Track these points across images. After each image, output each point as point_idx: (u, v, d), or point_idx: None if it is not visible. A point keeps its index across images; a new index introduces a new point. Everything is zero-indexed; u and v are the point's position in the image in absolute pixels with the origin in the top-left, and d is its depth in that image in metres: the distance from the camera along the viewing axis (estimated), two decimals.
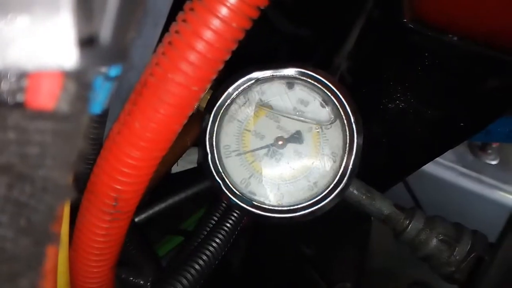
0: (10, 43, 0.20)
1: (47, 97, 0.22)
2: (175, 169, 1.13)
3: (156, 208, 1.01)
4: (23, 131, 0.21)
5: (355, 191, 0.62)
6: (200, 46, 0.34)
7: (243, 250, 0.97)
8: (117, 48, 0.22)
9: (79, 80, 0.23)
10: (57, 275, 0.42)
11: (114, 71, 0.25)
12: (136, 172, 0.39)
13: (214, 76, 0.36)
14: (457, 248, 0.60)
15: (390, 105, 0.73)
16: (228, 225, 0.64)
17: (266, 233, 0.84)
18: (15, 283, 0.21)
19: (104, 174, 0.40)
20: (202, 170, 0.56)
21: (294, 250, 0.73)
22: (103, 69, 0.25)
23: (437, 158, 1.46)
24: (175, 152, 0.86)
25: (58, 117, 0.21)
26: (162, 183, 1.02)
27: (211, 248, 0.61)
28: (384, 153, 0.77)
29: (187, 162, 1.13)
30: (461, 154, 1.45)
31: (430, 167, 1.45)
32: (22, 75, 0.22)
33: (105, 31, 0.22)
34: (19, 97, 0.22)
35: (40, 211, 0.21)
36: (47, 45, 0.20)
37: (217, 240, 0.62)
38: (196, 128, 0.91)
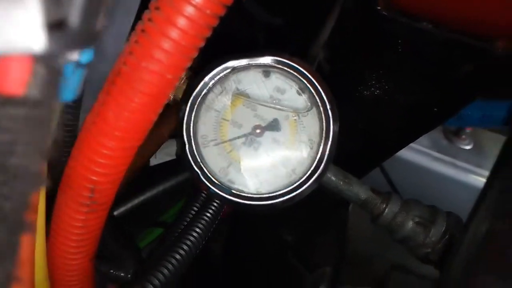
0: None
1: (17, 82, 0.21)
2: (154, 161, 1.13)
3: (135, 201, 1.00)
4: None
5: (332, 177, 0.62)
6: (173, 33, 0.33)
7: (224, 238, 0.97)
8: (87, 32, 0.22)
9: (48, 65, 0.23)
10: (36, 266, 0.42)
11: (85, 57, 0.25)
12: (111, 162, 0.39)
13: (188, 64, 0.36)
14: (432, 230, 0.61)
15: (365, 92, 0.74)
16: (208, 214, 0.64)
17: (247, 221, 0.84)
18: None
19: (79, 165, 0.39)
20: (181, 161, 0.56)
21: (274, 237, 0.74)
22: (74, 55, 0.24)
23: (412, 144, 1.49)
24: (152, 144, 0.86)
25: (28, 103, 0.21)
26: (141, 175, 1.01)
27: (191, 238, 0.61)
28: (360, 139, 0.78)
29: (165, 154, 1.12)
30: (436, 140, 1.49)
31: (405, 153, 1.48)
32: None
33: (74, 15, 0.21)
34: None
35: (13, 199, 0.21)
36: (15, 28, 0.19)
37: (197, 230, 0.62)
38: (173, 120, 0.90)
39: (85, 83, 0.39)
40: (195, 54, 0.36)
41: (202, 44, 0.35)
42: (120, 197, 0.98)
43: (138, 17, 0.35)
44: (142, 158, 0.84)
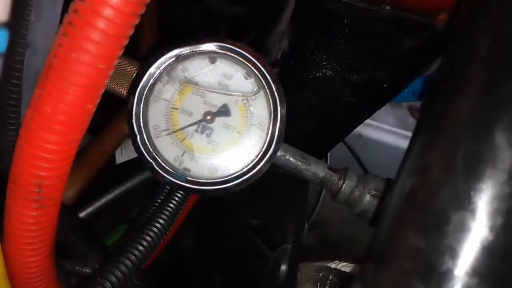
0: None
1: None
2: (120, 159, 1.12)
3: (103, 200, 1.01)
4: None
5: (291, 159, 0.64)
6: (100, 23, 0.34)
7: (192, 234, 0.98)
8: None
9: None
10: None
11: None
12: (55, 156, 0.39)
13: (119, 53, 0.37)
14: None
15: (318, 73, 0.76)
16: (171, 205, 0.65)
17: (214, 213, 0.85)
18: None
19: (23, 162, 0.40)
20: (135, 151, 0.56)
21: (240, 223, 0.76)
22: None
23: (379, 124, 1.52)
24: (112, 139, 0.86)
25: None
26: (107, 174, 1.02)
27: (153, 229, 0.61)
28: (317, 120, 0.80)
29: (131, 151, 1.12)
30: (401, 118, 1.52)
31: (373, 133, 1.51)
32: None
33: None
34: None
35: None
36: None
37: (160, 221, 0.63)
38: None
39: (22, 80, 0.39)
40: (125, 42, 0.37)
41: (131, 31, 0.36)
42: (88, 197, 0.98)
43: (65, 10, 0.35)
44: (103, 153, 0.84)
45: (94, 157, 0.82)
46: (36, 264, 0.47)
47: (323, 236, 1.38)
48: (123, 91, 0.59)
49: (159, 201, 0.70)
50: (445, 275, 0.28)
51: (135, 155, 1.21)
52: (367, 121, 1.50)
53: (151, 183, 1.06)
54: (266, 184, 0.70)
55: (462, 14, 0.36)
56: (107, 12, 0.34)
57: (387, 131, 1.52)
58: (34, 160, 0.39)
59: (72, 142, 0.40)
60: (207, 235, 0.86)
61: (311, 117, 0.80)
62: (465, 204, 0.28)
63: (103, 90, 0.39)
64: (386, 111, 1.50)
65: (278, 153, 0.61)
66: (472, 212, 0.28)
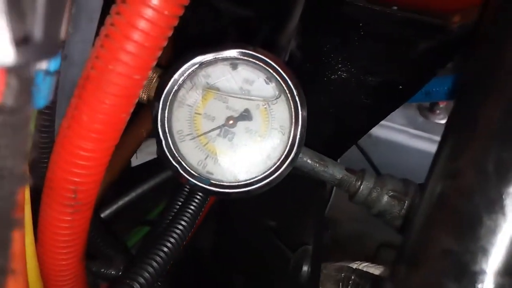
0: None
1: None
2: (135, 162, 1.14)
3: (121, 202, 1.02)
4: None
5: (308, 161, 0.65)
6: (136, 36, 0.36)
7: (212, 235, 1.00)
8: (51, 42, 0.24)
9: (20, 76, 0.25)
10: (27, 266, 0.43)
11: (53, 65, 0.27)
12: (90, 163, 0.41)
13: (154, 63, 0.38)
14: (406, 201, 0.65)
15: (333, 76, 0.77)
16: (192, 207, 0.66)
17: (232, 215, 0.87)
18: None
19: (59, 168, 0.41)
20: (160, 158, 0.58)
21: (259, 225, 0.77)
22: (43, 65, 0.26)
23: (389, 123, 1.53)
24: (131, 144, 0.88)
25: (4, 110, 0.23)
26: (124, 177, 1.03)
27: (177, 231, 0.63)
28: (333, 122, 0.81)
29: (147, 153, 1.14)
30: (412, 117, 1.53)
31: (383, 133, 1.52)
32: None
33: (38, 28, 0.23)
34: None
35: (2, 199, 0.23)
36: None
37: (182, 223, 0.64)
38: (150, 119, 0.92)
39: (57, 90, 0.41)
40: (159, 53, 0.38)
41: (164, 43, 0.38)
42: (106, 199, 0.99)
43: (101, 23, 0.37)
44: (123, 158, 0.86)
45: (115, 162, 0.83)
46: (68, 267, 0.49)
47: (334, 235, 1.39)
48: (144, 96, 0.61)
49: (180, 203, 0.71)
50: (478, 275, 0.29)
51: (150, 158, 1.24)
52: None
53: (167, 185, 1.08)
54: (284, 186, 0.71)
55: (489, 19, 0.37)
56: (143, 25, 0.35)
57: (397, 130, 1.53)
58: (71, 167, 0.41)
59: (107, 149, 0.42)
60: (226, 235, 0.88)
61: (326, 120, 0.81)
62: (497, 207, 0.29)
63: (136, 100, 0.40)
64: (396, 111, 1.50)
65: None
66: (504, 214, 0.29)
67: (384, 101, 0.79)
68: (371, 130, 1.53)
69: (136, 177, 1.10)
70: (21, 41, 0.24)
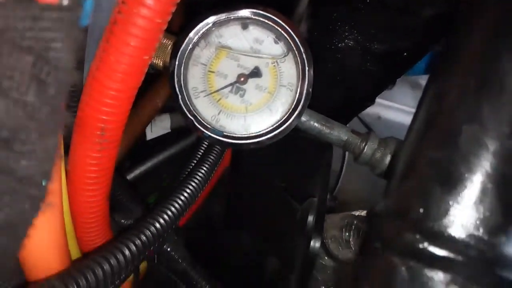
0: None
1: None
2: (150, 136, 1.20)
3: (137, 171, 1.08)
4: (38, 19, 0.27)
5: (315, 124, 0.69)
6: None
7: (222, 201, 1.05)
8: None
9: None
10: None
11: None
12: (117, 102, 0.46)
13: (173, 9, 0.43)
14: None
15: (340, 44, 0.80)
16: (206, 164, 0.71)
17: (244, 178, 0.91)
18: (44, 141, 0.28)
19: (89, 108, 0.46)
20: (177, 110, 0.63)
21: (270, 186, 0.81)
22: None
23: (397, 105, 1.55)
24: (147, 112, 0.93)
25: (61, 7, 0.28)
26: (139, 150, 1.09)
27: (191, 185, 0.68)
28: (340, 88, 0.85)
29: (161, 128, 1.20)
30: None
31: (392, 114, 1.54)
32: None
33: None
34: None
35: (55, 87, 0.28)
36: None
37: (198, 177, 0.69)
38: (165, 90, 0.97)
39: (87, 36, 0.45)
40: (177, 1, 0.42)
41: None
42: (123, 169, 1.05)
43: None
44: (141, 123, 0.91)
45: (133, 127, 0.89)
46: (96, 204, 0.54)
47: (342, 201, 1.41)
48: (160, 62, 0.65)
49: (193, 163, 0.76)
50: (460, 180, 0.33)
51: (164, 131, 1.29)
52: (386, 102, 1.53)
53: (180, 157, 1.13)
54: (293, 148, 0.76)
55: None
56: None
57: (406, 112, 1.55)
58: (99, 105, 0.46)
59: (131, 89, 0.46)
60: (237, 198, 0.92)
61: (334, 86, 0.85)
62: (476, 118, 0.33)
63: (157, 44, 0.45)
64: (404, 92, 1.52)
65: (304, 118, 0.67)
66: (482, 124, 0.33)
67: (390, 68, 0.82)
68: (380, 112, 1.56)
69: (151, 149, 1.16)
70: None
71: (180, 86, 0.61)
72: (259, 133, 0.61)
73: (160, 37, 0.45)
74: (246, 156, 0.88)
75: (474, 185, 0.33)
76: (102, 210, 0.55)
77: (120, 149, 0.90)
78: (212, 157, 0.73)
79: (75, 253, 0.58)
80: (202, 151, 0.75)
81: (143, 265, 0.86)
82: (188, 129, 1.10)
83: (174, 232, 0.78)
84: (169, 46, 0.64)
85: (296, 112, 0.61)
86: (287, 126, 0.61)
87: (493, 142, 0.32)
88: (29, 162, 0.33)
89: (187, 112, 0.61)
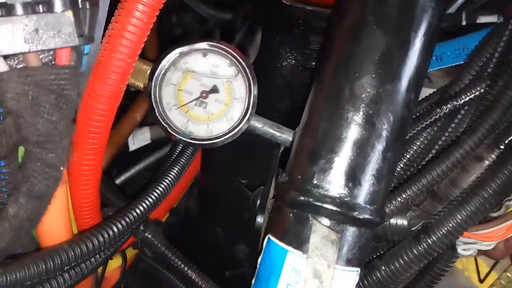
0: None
1: (66, 59, 0.47)
2: (132, 147, 1.36)
3: (123, 177, 1.25)
4: (58, 74, 0.46)
5: (269, 129, 0.85)
6: None
7: (196, 198, 1.23)
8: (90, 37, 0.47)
9: (77, 51, 0.48)
10: None
11: (87, 49, 0.50)
12: (102, 118, 0.63)
13: (139, 51, 0.61)
14: None
15: (284, 63, 1.00)
16: (180, 162, 0.89)
17: (212, 178, 1.09)
18: (62, 142, 0.46)
19: (83, 122, 0.63)
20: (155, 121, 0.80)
21: (232, 183, 0.98)
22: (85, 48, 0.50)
23: None
24: (128, 125, 1.11)
25: (70, 66, 0.47)
26: (123, 159, 1.26)
27: (166, 180, 0.85)
28: (287, 99, 1.03)
29: (142, 139, 1.37)
30: None
31: None
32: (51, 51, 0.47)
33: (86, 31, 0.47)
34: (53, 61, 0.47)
35: (67, 110, 0.46)
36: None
37: (170, 175, 0.87)
38: (143, 107, 1.16)
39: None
40: None
41: None
42: (112, 171, 1.22)
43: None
44: (122, 136, 1.09)
45: (116, 138, 1.06)
46: (89, 192, 0.71)
47: None
48: (141, 84, 0.83)
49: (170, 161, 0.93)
50: (320, 158, 0.53)
51: (145, 143, 1.46)
52: None
53: (159, 164, 1.30)
54: (252, 150, 0.94)
55: None
56: None
57: None
58: (90, 121, 0.63)
59: (112, 108, 0.64)
60: (207, 196, 1.10)
61: (282, 98, 1.04)
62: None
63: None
64: None
65: (259, 125, 0.83)
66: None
67: None
68: None
69: (134, 159, 1.34)
70: (80, 35, 0.47)
71: (156, 102, 0.78)
72: (219, 135, 0.79)
73: (134, 67, 0.63)
74: (212, 160, 1.06)
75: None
76: (93, 200, 0.73)
77: (106, 155, 1.07)
78: (182, 160, 0.91)
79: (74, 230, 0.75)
80: (174, 156, 0.93)
81: (130, 254, 1.03)
82: (164, 140, 1.28)
83: (154, 224, 0.95)
84: (148, 71, 0.81)
85: (246, 118, 0.79)
86: (240, 129, 0.79)
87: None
88: (53, 154, 0.51)
89: (162, 122, 0.79)
